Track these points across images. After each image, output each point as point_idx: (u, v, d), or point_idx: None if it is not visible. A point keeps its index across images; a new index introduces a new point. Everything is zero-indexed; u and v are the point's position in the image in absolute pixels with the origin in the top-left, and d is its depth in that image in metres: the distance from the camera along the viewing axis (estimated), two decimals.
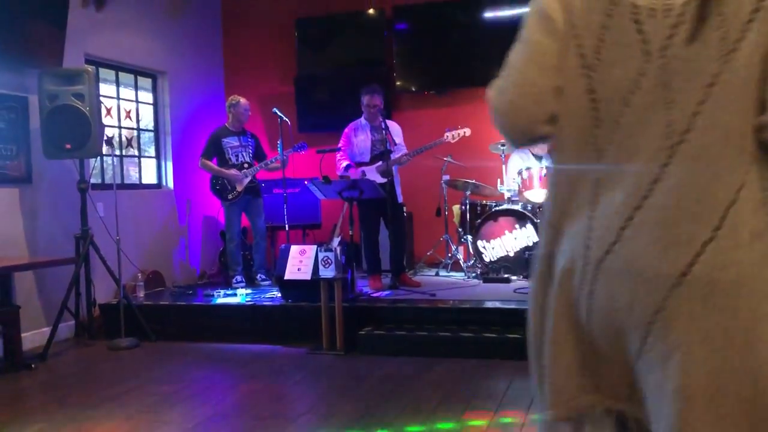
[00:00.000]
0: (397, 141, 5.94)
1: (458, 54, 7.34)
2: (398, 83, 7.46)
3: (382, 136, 5.90)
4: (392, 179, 5.87)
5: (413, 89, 7.52)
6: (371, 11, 7.64)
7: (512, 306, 4.99)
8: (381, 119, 5.93)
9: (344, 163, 6.00)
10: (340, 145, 6.11)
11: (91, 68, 5.55)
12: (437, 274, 6.59)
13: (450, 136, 5.92)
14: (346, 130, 6.10)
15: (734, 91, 1.14)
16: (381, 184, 5.66)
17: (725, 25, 1.14)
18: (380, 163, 5.82)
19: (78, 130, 5.24)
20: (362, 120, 6.03)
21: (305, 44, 7.82)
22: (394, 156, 5.84)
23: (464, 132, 5.92)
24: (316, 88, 7.80)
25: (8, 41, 5.21)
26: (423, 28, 7.48)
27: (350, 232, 5.49)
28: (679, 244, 1.14)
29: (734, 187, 1.13)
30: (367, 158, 5.95)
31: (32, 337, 5.26)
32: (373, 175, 5.81)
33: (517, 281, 5.95)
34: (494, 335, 4.65)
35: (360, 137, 6.02)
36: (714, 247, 1.12)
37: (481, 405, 3.63)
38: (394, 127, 6.04)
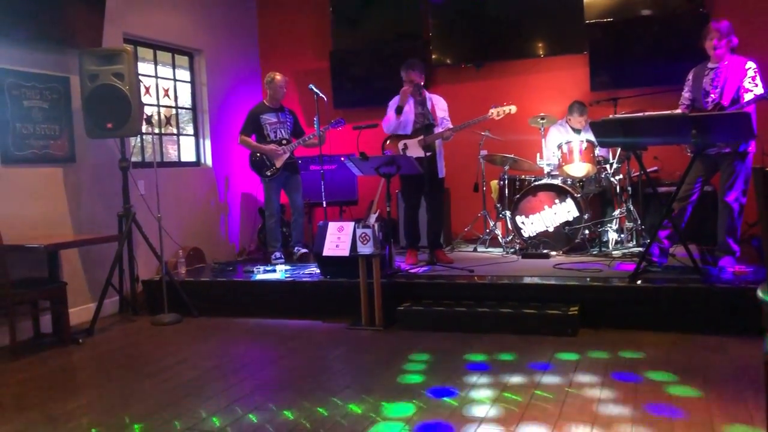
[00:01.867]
0: (440, 115, 5.87)
1: (495, 27, 7.23)
2: (435, 57, 7.38)
3: (425, 110, 5.86)
4: (434, 153, 5.82)
5: (450, 62, 7.42)
6: None
7: (552, 282, 4.94)
8: (425, 93, 5.89)
9: (391, 112, 5.92)
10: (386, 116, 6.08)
11: (130, 48, 5.60)
12: (475, 250, 6.55)
13: (495, 113, 5.81)
14: (390, 102, 6.05)
15: None
16: (420, 159, 5.64)
17: None
18: (422, 137, 5.78)
19: (118, 110, 5.32)
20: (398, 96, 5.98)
21: (340, 19, 7.77)
22: (437, 130, 5.79)
23: (509, 109, 5.78)
24: (351, 63, 7.75)
25: (48, 23, 5.28)
26: (459, 0, 7.35)
27: (387, 209, 5.48)
28: None
29: None
30: (408, 131, 5.90)
31: (78, 313, 5.39)
32: (415, 148, 5.76)
33: (556, 257, 5.89)
34: (534, 311, 4.61)
35: (404, 109, 5.97)
36: None
37: (521, 380, 3.62)
38: (439, 102, 5.97)
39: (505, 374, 3.74)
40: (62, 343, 4.87)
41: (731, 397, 3.22)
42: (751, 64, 4.82)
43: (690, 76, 5.12)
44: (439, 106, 5.94)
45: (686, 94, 5.11)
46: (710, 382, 3.45)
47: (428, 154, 5.72)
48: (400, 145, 5.89)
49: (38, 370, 4.30)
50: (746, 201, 4.91)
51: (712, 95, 4.91)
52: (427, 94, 5.95)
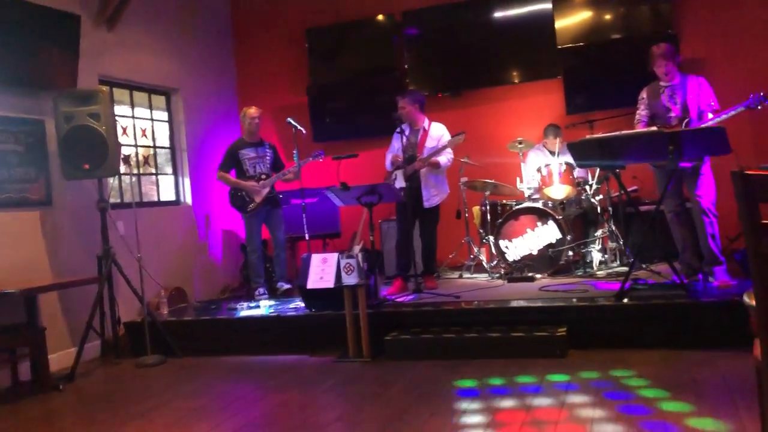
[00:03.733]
0: (430, 144, 5.86)
1: (470, 55, 7.32)
2: (412, 88, 7.43)
3: (414, 140, 5.89)
4: (418, 184, 5.81)
5: (427, 93, 7.45)
6: (381, 17, 7.64)
7: (538, 304, 4.92)
8: (423, 122, 5.96)
9: (389, 157, 6.01)
10: (389, 147, 6.13)
11: (105, 88, 5.58)
12: (461, 277, 6.53)
13: (451, 142, 5.79)
14: (395, 133, 6.09)
15: None
16: (406, 188, 5.65)
17: None
18: (405, 167, 5.80)
19: (95, 150, 5.27)
20: (405, 124, 6.00)
21: (316, 54, 7.84)
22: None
23: (459, 138, 5.71)
24: (329, 97, 7.80)
25: (22, 66, 5.26)
26: (433, 31, 7.46)
27: (371, 238, 5.45)
28: None
29: None
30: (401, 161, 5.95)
31: (59, 358, 5.26)
32: (401, 178, 5.78)
33: (541, 279, 5.87)
34: (522, 334, 4.58)
35: (399, 140, 6.00)
36: None
37: (513, 404, 3.56)
38: (434, 130, 5.96)
39: (496, 398, 3.69)
40: (42, 390, 4.73)
41: (724, 410, 3.19)
42: (703, 80, 5.03)
43: (644, 95, 5.26)
44: (433, 135, 5.93)
45: (643, 112, 5.25)
46: (702, 397, 3.43)
47: (406, 185, 5.71)
48: (392, 175, 5.93)
49: (17, 419, 4.17)
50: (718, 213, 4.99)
51: (674, 111, 5.03)
52: (425, 123, 5.98)
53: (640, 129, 5.08)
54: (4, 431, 3.94)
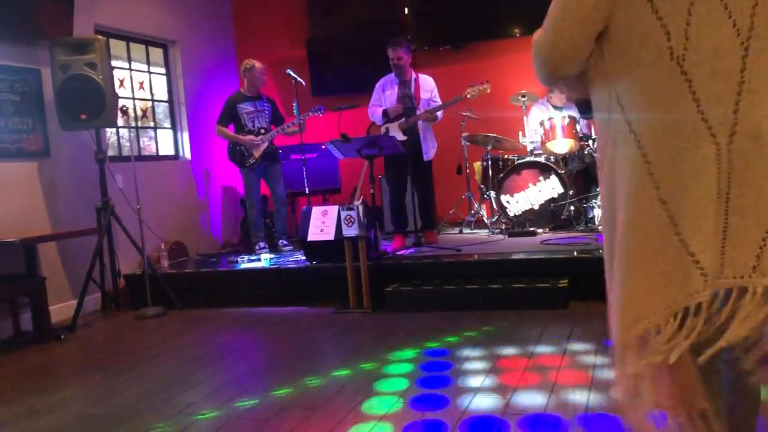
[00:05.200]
0: (424, 97, 5.79)
1: (473, 8, 7.18)
2: (413, 41, 7.31)
3: (409, 92, 5.79)
4: (417, 137, 5.75)
5: (428, 46, 7.36)
6: None
7: (540, 256, 4.90)
8: (411, 74, 5.83)
9: (379, 110, 5.87)
10: (372, 100, 6.01)
11: (101, 37, 5.47)
12: (461, 232, 6.50)
13: (470, 92, 5.76)
14: (376, 84, 5.98)
15: None
16: (403, 142, 5.57)
17: None
18: (402, 119, 5.71)
19: (92, 100, 5.20)
20: (392, 75, 5.89)
21: (316, 6, 7.69)
22: (419, 113, 5.72)
23: (484, 88, 5.74)
24: (328, 51, 7.68)
25: (17, 16, 5.14)
26: None
27: (371, 191, 5.40)
28: None
29: None
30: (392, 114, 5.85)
31: (59, 310, 5.26)
32: (396, 132, 5.70)
33: (543, 234, 5.85)
34: (523, 286, 4.57)
35: (387, 92, 5.88)
36: None
37: (514, 351, 3.57)
38: (425, 83, 5.88)
39: (497, 346, 3.69)
40: (43, 340, 4.74)
41: None
42: None
43: None
44: (425, 87, 5.85)
45: None
46: None
47: (405, 137, 5.66)
48: (382, 129, 5.84)
49: (18, 366, 4.18)
50: None
51: None
52: (413, 75, 5.88)
53: None
54: (6, 379, 3.95)
